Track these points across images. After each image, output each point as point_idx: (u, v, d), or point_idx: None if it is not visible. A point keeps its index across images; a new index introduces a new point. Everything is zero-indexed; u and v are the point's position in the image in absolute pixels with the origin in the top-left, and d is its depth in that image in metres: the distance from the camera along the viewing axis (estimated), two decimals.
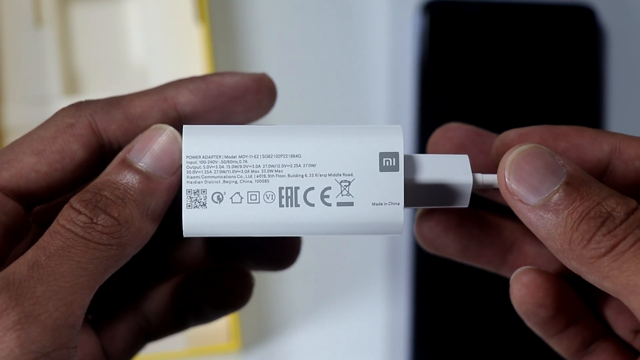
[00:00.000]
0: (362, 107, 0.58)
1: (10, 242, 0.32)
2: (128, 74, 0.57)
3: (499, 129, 0.53)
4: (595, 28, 0.59)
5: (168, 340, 0.47)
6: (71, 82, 0.56)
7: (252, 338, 0.56)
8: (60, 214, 0.30)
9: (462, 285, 0.57)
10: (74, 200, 0.30)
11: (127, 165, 0.31)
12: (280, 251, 0.38)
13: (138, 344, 0.38)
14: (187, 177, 0.30)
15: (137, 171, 0.31)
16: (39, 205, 0.34)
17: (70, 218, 0.29)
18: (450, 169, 0.32)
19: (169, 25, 0.56)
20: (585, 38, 0.58)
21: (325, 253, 0.57)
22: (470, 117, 0.54)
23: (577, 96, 0.58)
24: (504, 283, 0.52)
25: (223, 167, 0.31)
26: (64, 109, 0.33)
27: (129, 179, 0.30)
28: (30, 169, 0.32)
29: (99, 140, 0.33)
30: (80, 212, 0.29)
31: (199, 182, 0.30)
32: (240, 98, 0.34)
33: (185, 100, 0.33)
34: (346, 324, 0.57)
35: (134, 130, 0.33)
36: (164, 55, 0.55)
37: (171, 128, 0.31)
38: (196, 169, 0.30)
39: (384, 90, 0.58)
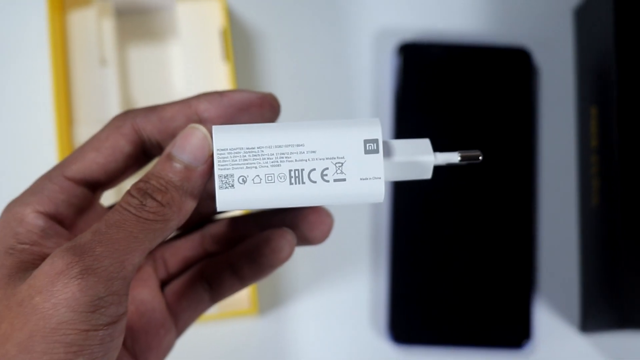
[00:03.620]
0: None
1: (79, 216, 0.34)
2: (170, 101, 0.52)
3: (455, 144, 0.51)
4: (530, 67, 0.59)
5: None
6: (127, 107, 0.56)
7: (267, 304, 0.57)
8: (121, 198, 0.31)
9: (431, 261, 0.57)
10: (131, 188, 0.31)
11: (171, 158, 0.32)
12: (316, 230, 0.37)
13: (205, 302, 0.38)
14: (218, 165, 0.31)
15: (178, 163, 0.32)
16: (103, 189, 0.35)
17: (127, 201, 0.31)
18: (416, 149, 0.33)
19: (203, 63, 0.56)
20: (522, 74, 0.59)
21: None
22: (434, 135, 0.52)
23: (515, 121, 0.58)
24: (467, 259, 0.57)
25: (245, 156, 0.31)
26: (115, 116, 0.35)
27: (171, 169, 0.32)
28: (91, 162, 0.34)
29: (140, 137, 0.34)
30: (134, 197, 0.31)
31: (227, 169, 0.31)
32: (246, 110, 0.35)
33: (204, 107, 0.34)
34: (339, 293, 0.57)
35: (166, 129, 0.34)
36: (199, 86, 0.55)
37: (203, 128, 0.32)
38: (225, 159, 0.31)
39: (369, 114, 0.59)
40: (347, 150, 0.31)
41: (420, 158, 0.32)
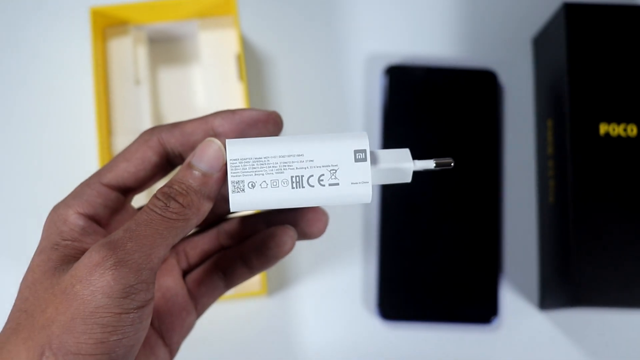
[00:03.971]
0: None
1: (114, 216, 0.35)
2: (194, 114, 0.53)
3: (433, 151, 0.56)
4: (496, 85, 0.60)
5: None
6: (157, 120, 0.58)
7: (275, 287, 0.58)
8: (149, 200, 0.32)
9: (414, 250, 0.58)
10: (157, 192, 0.32)
11: (190, 167, 0.32)
12: (314, 227, 0.38)
13: (220, 288, 0.38)
14: (231, 173, 0.31)
15: (196, 171, 0.32)
16: (134, 193, 0.36)
17: (153, 203, 0.31)
18: (398, 158, 0.33)
19: (221, 82, 0.57)
20: (490, 92, 0.60)
21: None
22: (416, 143, 0.58)
23: (483, 131, 0.60)
24: (444, 248, 0.58)
25: (254, 165, 0.31)
26: (144, 131, 0.35)
27: (191, 176, 0.32)
28: (123, 170, 0.34)
29: (165, 149, 0.35)
30: (159, 199, 0.31)
31: (238, 176, 0.31)
32: (253, 125, 0.35)
33: (218, 123, 0.34)
34: (335, 277, 0.58)
35: (187, 142, 0.34)
36: (218, 102, 0.56)
37: (218, 141, 0.33)
38: (236, 167, 0.31)
39: (361, 125, 0.60)
40: (340, 159, 0.32)
41: (401, 165, 0.33)
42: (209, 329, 0.57)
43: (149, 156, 0.35)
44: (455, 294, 0.58)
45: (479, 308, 0.58)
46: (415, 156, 0.33)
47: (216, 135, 0.34)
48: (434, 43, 0.62)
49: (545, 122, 0.58)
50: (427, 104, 0.60)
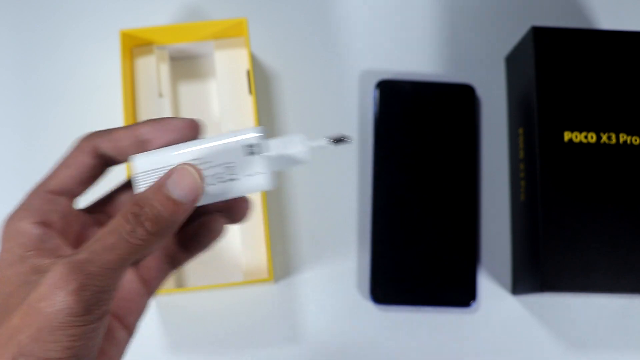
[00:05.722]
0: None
1: (64, 218, 0.33)
2: (210, 124, 0.58)
3: (417, 155, 0.56)
4: (474, 98, 0.61)
5: (231, 275, 0.53)
6: None
7: (280, 274, 0.59)
8: (117, 218, 0.30)
9: (402, 243, 0.58)
10: (128, 211, 0.30)
11: (165, 191, 0.31)
12: (238, 213, 0.36)
13: (166, 271, 0.37)
14: (141, 185, 0.31)
15: (170, 198, 0.31)
16: (79, 195, 0.34)
17: (122, 225, 0.30)
18: (287, 144, 0.32)
19: (234, 95, 0.58)
20: (468, 104, 0.61)
21: (322, 223, 0.60)
22: (402, 147, 0.59)
23: (463, 138, 0.60)
24: (428, 241, 0.58)
25: (160, 174, 0.31)
26: (78, 138, 0.33)
27: (163, 203, 0.30)
28: (65, 176, 0.33)
29: (98, 152, 0.33)
30: (128, 222, 0.30)
31: (147, 185, 0.31)
32: (177, 131, 0.33)
33: (145, 131, 0.33)
34: (333, 266, 0.59)
35: (117, 147, 0.33)
36: (231, 112, 0.57)
37: (192, 169, 0.31)
38: (145, 179, 0.31)
39: (356, 133, 0.61)
40: (233, 156, 0.31)
41: (291, 150, 0.32)
42: (223, 310, 0.58)
43: (86, 161, 0.33)
44: (438, 280, 0.58)
45: (459, 293, 0.58)
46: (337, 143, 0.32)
47: (143, 141, 0.33)
48: (420, 61, 0.63)
49: (517, 130, 0.59)
50: (413, 114, 0.60)
